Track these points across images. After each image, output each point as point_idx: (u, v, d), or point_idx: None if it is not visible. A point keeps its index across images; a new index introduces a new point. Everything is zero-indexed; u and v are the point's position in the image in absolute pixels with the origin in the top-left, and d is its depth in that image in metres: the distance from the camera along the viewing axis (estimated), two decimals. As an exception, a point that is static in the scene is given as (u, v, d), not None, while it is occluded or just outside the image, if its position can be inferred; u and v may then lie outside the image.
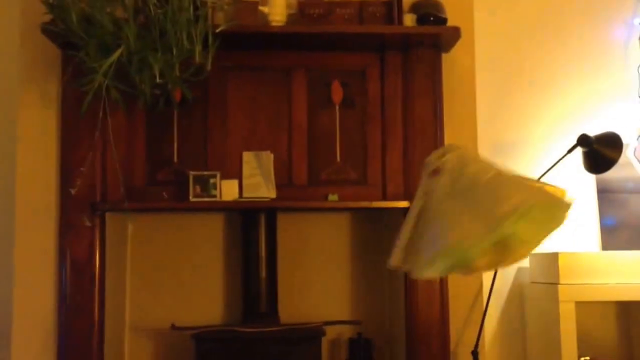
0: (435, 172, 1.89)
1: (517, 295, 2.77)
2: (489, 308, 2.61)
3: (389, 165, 2.60)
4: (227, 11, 2.49)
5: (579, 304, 2.46)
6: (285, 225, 2.70)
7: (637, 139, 2.78)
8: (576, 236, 2.77)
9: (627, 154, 2.75)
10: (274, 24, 2.56)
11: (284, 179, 2.59)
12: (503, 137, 2.80)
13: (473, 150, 2.20)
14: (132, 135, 2.57)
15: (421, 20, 2.59)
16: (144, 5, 2.40)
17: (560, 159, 2.56)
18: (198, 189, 2.52)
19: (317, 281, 2.73)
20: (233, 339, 2.49)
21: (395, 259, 1.89)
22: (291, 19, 2.61)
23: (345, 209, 2.69)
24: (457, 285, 2.60)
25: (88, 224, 2.49)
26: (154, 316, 2.65)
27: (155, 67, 2.35)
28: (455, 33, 2.57)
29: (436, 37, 2.58)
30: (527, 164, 2.77)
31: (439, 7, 2.62)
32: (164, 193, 2.52)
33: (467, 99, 2.73)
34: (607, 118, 2.81)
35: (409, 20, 2.60)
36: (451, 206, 1.77)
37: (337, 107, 2.63)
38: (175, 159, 2.57)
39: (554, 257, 2.51)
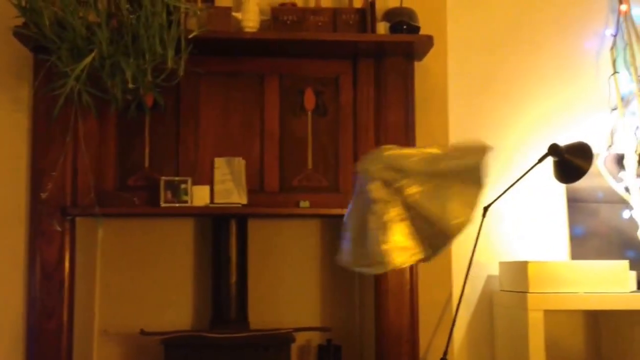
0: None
1: (487, 303, 2.79)
2: (458, 315, 2.62)
3: (360, 173, 2.61)
4: (200, 17, 2.50)
5: (548, 313, 2.47)
6: (256, 231, 2.70)
7: (607, 149, 2.81)
8: (546, 245, 2.79)
9: (598, 163, 2.78)
10: (247, 30, 2.57)
11: (255, 185, 2.59)
12: (475, 145, 2.81)
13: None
14: (104, 140, 2.57)
15: (394, 28, 2.61)
16: (117, 9, 2.40)
17: (531, 169, 2.57)
18: (169, 194, 2.52)
19: (287, 287, 2.73)
20: (202, 344, 2.48)
21: (345, 260, 2.07)
22: (264, 25, 2.62)
23: (316, 215, 2.69)
24: (427, 292, 2.62)
25: (58, 228, 2.49)
26: (123, 321, 2.64)
27: (127, 72, 2.35)
28: (428, 42, 2.59)
29: (409, 45, 2.59)
30: (498, 172, 2.78)
31: (412, 16, 2.64)
32: (134, 198, 2.52)
33: (439, 107, 2.76)
34: (578, 128, 2.83)
35: (382, 28, 2.61)
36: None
37: (309, 114, 2.64)
38: (147, 164, 2.57)
39: (523, 265, 2.52)
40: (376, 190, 1.93)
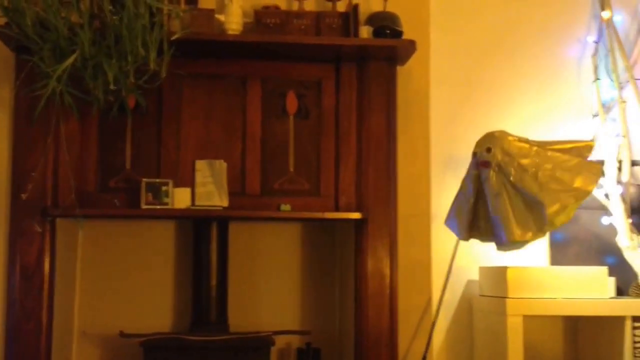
0: (484, 164, 2.42)
1: (466, 307, 2.80)
2: (437, 320, 2.63)
3: (342, 177, 2.62)
4: (183, 19, 2.50)
5: (527, 318, 2.49)
6: (238, 234, 2.70)
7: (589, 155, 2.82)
8: (526, 251, 2.80)
9: (579, 170, 2.79)
10: (230, 32, 2.57)
11: (237, 188, 2.59)
12: (456, 151, 2.81)
13: (511, 140, 2.44)
14: (85, 141, 2.56)
15: (377, 32, 2.61)
16: (99, 11, 2.40)
17: (511, 174, 2.59)
18: (150, 196, 2.52)
19: (268, 290, 2.74)
20: (181, 347, 2.48)
21: (463, 236, 2.52)
22: (247, 27, 2.62)
23: (298, 219, 2.70)
24: (407, 296, 2.63)
25: (38, 229, 2.48)
26: (102, 323, 2.64)
27: (109, 74, 2.35)
28: (411, 46, 2.59)
29: (392, 50, 2.60)
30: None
31: (395, 20, 2.65)
32: (115, 200, 2.52)
33: (422, 113, 2.77)
34: (560, 134, 2.83)
35: (365, 32, 2.62)
36: (507, 204, 2.36)
37: (291, 118, 2.65)
38: (128, 166, 2.56)
39: (502, 271, 2.54)
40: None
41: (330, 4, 2.68)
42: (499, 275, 2.57)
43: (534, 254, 2.79)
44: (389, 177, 2.61)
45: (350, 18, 2.61)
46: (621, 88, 2.79)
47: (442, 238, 2.70)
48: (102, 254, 2.68)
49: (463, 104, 2.87)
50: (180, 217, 2.65)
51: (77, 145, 2.55)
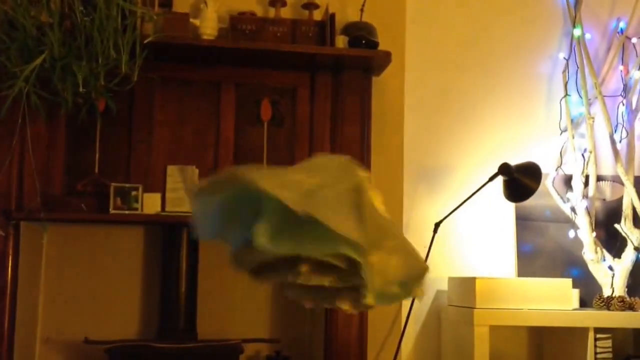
0: None
1: (435, 317, 2.82)
2: (407, 329, 2.65)
3: (314, 185, 2.61)
4: (157, 22, 2.46)
5: (493, 328, 2.52)
6: (209, 241, 2.67)
7: (557, 170, 2.87)
8: (494, 261, 2.84)
9: (547, 183, 2.83)
10: (204, 37, 2.54)
11: (208, 194, 2.56)
12: (429, 161, 2.84)
13: None
14: (52, 143, 2.50)
15: (353, 42, 2.61)
16: (70, 11, 2.34)
17: (481, 187, 2.61)
18: (119, 201, 2.47)
19: (238, 298, 2.70)
20: (148, 354, 2.43)
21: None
22: (222, 33, 2.59)
23: (269, 226, 2.68)
24: (376, 307, 2.62)
25: (1, 232, 2.41)
26: (67, 329, 2.58)
27: (78, 76, 2.29)
28: (386, 57, 2.60)
29: (367, 60, 2.60)
30: (452, 189, 2.83)
31: (371, 31, 2.65)
32: (82, 205, 2.46)
33: (395, 123, 2.78)
34: (530, 147, 2.88)
35: (341, 42, 2.61)
36: None
37: (265, 125, 2.63)
38: (97, 170, 2.51)
39: (471, 281, 2.56)
40: None
41: (306, 12, 2.67)
42: (467, 285, 2.59)
43: (502, 265, 2.84)
44: (362, 187, 2.61)
45: (326, 27, 2.60)
46: (589, 104, 2.84)
47: (413, 248, 2.71)
48: (67, 259, 2.61)
49: (437, 116, 2.89)
50: (150, 222, 2.61)
51: (43, 147, 2.48)
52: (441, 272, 2.78)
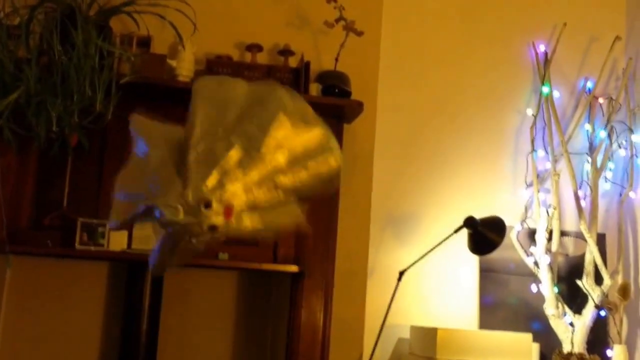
0: None
1: (396, 365, 2.83)
2: (367, 377, 2.65)
3: (282, 229, 2.63)
4: (134, 62, 2.49)
5: (453, 379, 2.53)
6: (173, 279, 2.66)
7: (521, 223, 2.92)
8: (457, 312, 2.86)
9: (512, 236, 2.88)
10: (180, 78, 2.58)
11: (176, 233, 2.57)
12: (397, 209, 2.88)
13: None
14: (22, 175, 2.51)
15: (326, 90, 2.67)
16: (48, 47, 2.37)
17: (446, 239, 2.63)
18: (85, 236, 2.48)
19: (200, 338, 2.70)
20: (106, 393, 2.43)
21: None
22: (199, 74, 2.63)
23: (235, 268, 2.69)
24: (339, 351, 2.64)
25: (-35, 263, 2.41)
26: (26, 364, 2.56)
27: (52, 114, 2.31)
28: (358, 107, 2.65)
29: (339, 108, 2.65)
30: (418, 237, 2.86)
31: (344, 80, 2.70)
32: (48, 241, 2.45)
33: (365, 170, 2.83)
34: (496, 200, 2.93)
35: (315, 89, 2.67)
36: None
37: (236, 167, 2.65)
38: (65, 204, 2.52)
39: (432, 332, 2.58)
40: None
41: (282, 59, 2.73)
42: (429, 335, 2.61)
43: (465, 316, 2.86)
44: (329, 231, 2.64)
45: (301, 74, 2.65)
46: (555, 161, 2.91)
47: (377, 295, 2.74)
48: (30, 292, 2.60)
49: (406, 165, 2.93)
50: (115, 259, 2.61)
51: (13, 179, 2.49)
52: (404, 320, 2.80)
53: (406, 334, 2.80)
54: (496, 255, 2.78)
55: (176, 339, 2.67)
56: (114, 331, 2.63)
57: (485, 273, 2.88)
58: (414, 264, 2.67)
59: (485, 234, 2.66)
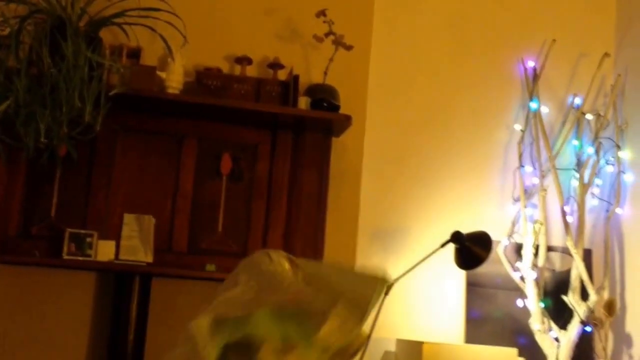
0: None
1: (382, 379, 2.84)
2: (352, 390, 2.65)
3: (269, 241, 2.65)
4: (124, 74, 2.50)
5: (438, 393, 2.53)
6: (161, 289, 2.66)
7: (508, 238, 2.93)
8: (444, 326, 2.87)
9: (499, 251, 2.89)
10: (170, 90, 2.59)
11: (164, 244, 2.59)
12: (384, 222, 2.89)
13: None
14: (11, 184, 2.52)
15: (315, 104, 2.68)
16: (37, 58, 2.38)
17: (432, 253, 2.63)
18: (73, 246, 2.49)
19: (186, 350, 2.71)
20: (90, 403, 2.43)
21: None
22: (188, 87, 2.64)
23: (222, 279, 2.69)
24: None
25: (-48, 271, 2.42)
26: (11, 373, 2.56)
27: (41, 125, 2.32)
28: (347, 121, 2.67)
29: (328, 122, 2.67)
30: (405, 251, 2.86)
31: (333, 94, 2.72)
32: (35, 251, 2.46)
33: (353, 183, 2.83)
34: (483, 215, 2.94)
35: (304, 102, 2.68)
36: None
37: (224, 179, 2.67)
38: (53, 214, 2.53)
39: (418, 346, 2.58)
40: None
41: (271, 72, 2.74)
42: (414, 349, 2.61)
43: (451, 330, 2.87)
44: (316, 245, 2.65)
45: (290, 87, 2.67)
46: (543, 176, 2.92)
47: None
48: (17, 301, 2.59)
49: (394, 178, 2.95)
50: (103, 269, 2.61)
51: (1, 189, 2.51)
52: (390, 334, 2.80)
53: (392, 347, 2.81)
54: (483, 269, 2.78)
55: (163, 349, 2.65)
56: (100, 341, 2.63)
57: (472, 287, 2.89)
58: (400, 277, 2.68)
59: (471, 249, 2.66)
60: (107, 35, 2.59)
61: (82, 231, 2.50)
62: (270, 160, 2.69)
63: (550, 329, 2.79)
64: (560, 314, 2.84)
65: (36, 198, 2.53)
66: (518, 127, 3.01)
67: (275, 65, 2.73)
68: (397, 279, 2.69)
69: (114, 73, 2.49)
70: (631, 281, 2.89)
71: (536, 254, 2.85)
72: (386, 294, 2.63)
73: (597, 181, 2.99)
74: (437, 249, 2.68)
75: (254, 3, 2.85)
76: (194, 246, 2.61)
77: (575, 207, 2.93)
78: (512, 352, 2.63)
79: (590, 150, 2.99)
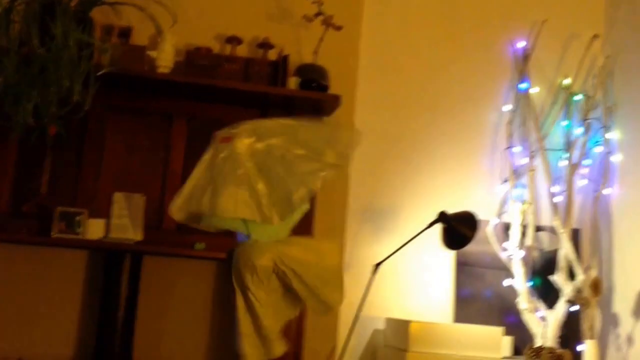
0: (225, 139, 2.20)
1: (370, 356, 2.86)
2: (341, 367, 2.69)
3: (259, 220, 2.66)
4: (114, 53, 2.51)
5: (426, 371, 2.56)
6: (151, 266, 2.70)
7: (498, 218, 2.94)
8: (433, 305, 2.90)
9: (487, 230, 2.91)
10: (160, 70, 2.61)
11: (153, 222, 2.61)
12: (374, 203, 2.91)
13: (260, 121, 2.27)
14: (1, 164, 2.54)
15: (304, 84, 2.69)
16: (27, 38, 2.39)
17: (420, 232, 2.66)
18: (62, 225, 2.51)
19: (177, 325, 2.73)
20: (81, 378, 2.47)
21: (175, 207, 2.17)
22: (178, 66, 2.66)
23: (212, 258, 2.72)
24: (312, 340, 2.68)
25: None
26: (1, 348, 2.57)
27: (28, 106, 2.33)
28: (336, 100, 2.68)
29: (317, 102, 2.69)
30: (395, 231, 2.88)
31: (322, 74, 2.73)
32: (24, 230, 2.48)
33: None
34: (473, 195, 2.95)
35: (293, 82, 2.69)
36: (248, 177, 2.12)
37: (214, 158, 2.68)
38: (43, 192, 2.55)
39: (406, 324, 2.61)
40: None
41: (261, 52, 2.75)
42: (402, 328, 2.64)
43: (440, 308, 2.89)
44: (306, 224, 2.66)
45: (279, 67, 2.68)
46: (532, 157, 2.94)
47: (352, 286, 2.75)
48: (7, 278, 2.63)
49: (383, 159, 2.96)
50: (93, 247, 2.64)
51: (-8, 167, 2.53)
52: (379, 312, 2.83)
53: (382, 326, 2.84)
54: (472, 248, 2.80)
55: (153, 326, 2.70)
56: (91, 318, 2.66)
57: (462, 266, 2.92)
58: (389, 257, 2.70)
59: (457, 229, 2.67)
60: (98, 15, 2.59)
61: (72, 209, 2.53)
62: (260, 139, 2.70)
63: (537, 309, 2.81)
64: (548, 294, 2.86)
65: (27, 177, 2.56)
66: (507, 108, 3.02)
67: (265, 45, 2.74)
68: (385, 259, 2.72)
69: (104, 53, 2.51)
70: (619, 261, 2.91)
71: (524, 234, 2.87)
72: (374, 272, 2.66)
73: (586, 162, 3.00)
74: (424, 229, 2.69)
75: (244, -17, 2.86)
76: (183, 224, 2.62)
77: (564, 187, 2.95)
78: (498, 331, 2.65)
79: (579, 131, 2.99)
